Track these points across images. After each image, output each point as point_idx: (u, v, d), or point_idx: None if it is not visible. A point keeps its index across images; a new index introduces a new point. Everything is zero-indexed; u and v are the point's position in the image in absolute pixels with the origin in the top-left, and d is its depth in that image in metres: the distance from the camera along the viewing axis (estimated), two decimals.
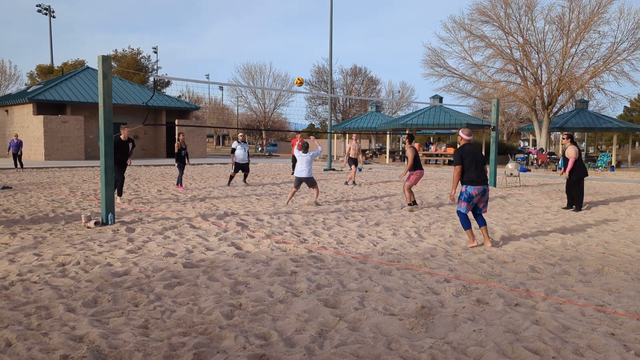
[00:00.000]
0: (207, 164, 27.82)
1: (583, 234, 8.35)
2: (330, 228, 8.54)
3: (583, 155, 35.25)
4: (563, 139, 11.43)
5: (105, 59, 8.33)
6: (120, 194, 11.38)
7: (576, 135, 50.77)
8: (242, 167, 15.80)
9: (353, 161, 16.94)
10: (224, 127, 23.96)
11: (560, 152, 36.84)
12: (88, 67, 37.05)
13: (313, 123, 69.65)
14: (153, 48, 67.05)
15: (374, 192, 14.28)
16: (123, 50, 55.83)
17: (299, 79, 12.63)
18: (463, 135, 7.42)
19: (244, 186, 15.51)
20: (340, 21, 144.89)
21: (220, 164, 28.38)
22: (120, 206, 10.55)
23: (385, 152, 40.47)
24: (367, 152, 39.78)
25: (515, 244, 7.45)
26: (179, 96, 52.32)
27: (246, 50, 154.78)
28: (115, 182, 10.46)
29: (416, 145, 15.48)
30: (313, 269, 5.83)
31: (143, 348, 3.59)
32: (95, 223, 8.30)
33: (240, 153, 15.60)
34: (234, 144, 15.77)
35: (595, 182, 19.20)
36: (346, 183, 16.77)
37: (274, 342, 3.77)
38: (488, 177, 7.34)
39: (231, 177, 16.05)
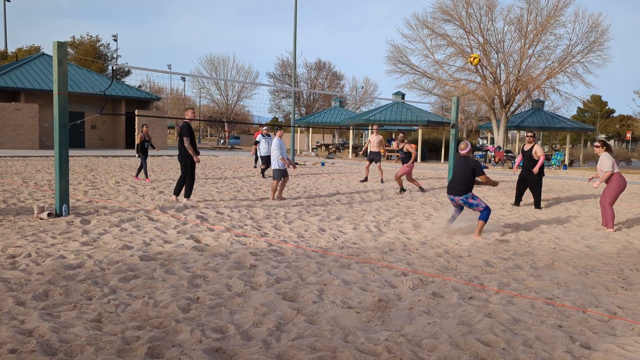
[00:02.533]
0: (168, 155, 27.35)
1: (536, 230, 8.62)
2: (291, 222, 8.55)
3: None
4: (528, 137, 11.60)
5: (61, 45, 8.08)
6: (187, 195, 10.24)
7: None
8: (267, 160, 15.89)
9: (375, 156, 16.01)
10: (185, 118, 23.58)
11: (520, 148, 37.86)
12: (44, 54, 35.84)
13: (277, 116, 69.39)
14: (113, 36, 65.34)
15: (336, 187, 14.35)
16: (81, 37, 54.21)
17: (475, 57, 11.14)
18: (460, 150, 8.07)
19: (204, 179, 15.33)
20: (305, 15, 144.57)
21: None
22: (75, 197, 10.27)
23: (348, 147, 40.66)
24: (330, 147, 39.91)
25: (472, 239, 7.63)
26: (140, 86, 51.14)
27: (209, 41, 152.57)
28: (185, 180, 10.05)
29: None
30: (273, 263, 5.83)
31: (95, 342, 3.51)
32: (49, 214, 8.05)
33: (264, 146, 15.86)
34: (259, 137, 16.32)
35: (548, 180, 19.83)
36: (382, 181, 16.12)
37: (231, 336, 3.75)
38: (458, 187, 7.85)
39: (263, 170, 16.34)
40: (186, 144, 9.79)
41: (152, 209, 9.16)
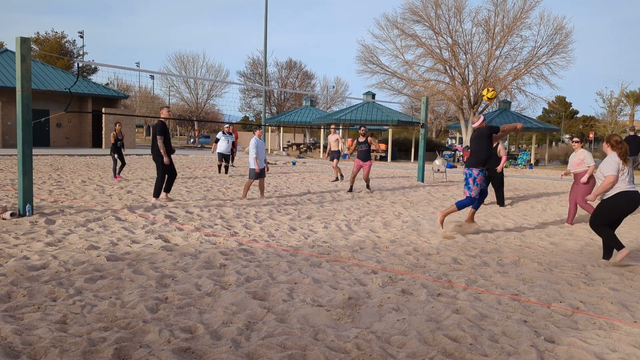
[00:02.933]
0: (136, 154, 26.91)
1: (502, 228, 8.80)
2: (262, 221, 8.52)
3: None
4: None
5: (24, 41, 7.87)
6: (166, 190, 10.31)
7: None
8: (225, 158, 16.85)
9: (335, 155, 16.07)
10: (154, 117, 23.27)
11: None
12: (7, 50, 34.78)
13: (247, 115, 69.01)
14: (79, 32, 63.84)
15: (307, 186, 14.36)
16: (46, 33, 52.95)
17: (490, 92, 9.40)
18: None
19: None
20: (275, 14, 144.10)
21: (150, 154, 27.53)
22: (39, 197, 10.02)
23: (319, 147, 40.72)
24: (301, 146, 39.90)
25: (440, 237, 7.73)
26: (107, 84, 50.20)
27: (178, 39, 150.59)
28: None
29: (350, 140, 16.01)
30: (243, 262, 5.80)
31: (60, 344, 3.44)
32: (12, 214, 7.84)
33: (224, 144, 16.67)
34: (219, 134, 16.89)
35: (515, 179, 20.25)
36: (336, 179, 16.05)
37: (200, 335, 3.72)
38: (470, 159, 7.81)
39: (219, 166, 17.11)
40: (159, 142, 9.71)
41: (120, 208, 9.01)
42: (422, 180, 17.04)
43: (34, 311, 4.07)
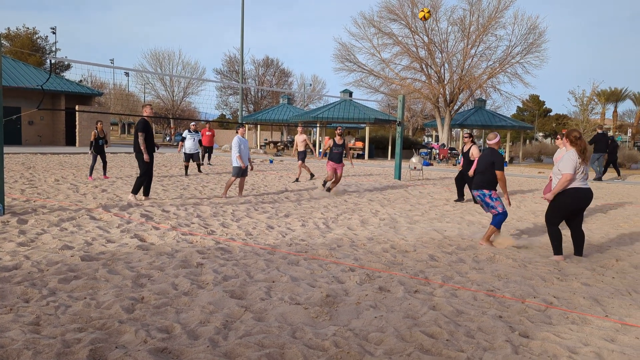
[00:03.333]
0: (111, 153, 26.51)
1: (478, 225, 8.92)
2: (239, 219, 8.48)
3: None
4: (465, 137, 12.04)
5: None
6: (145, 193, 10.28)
7: (474, 132, 53.87)
8: (192, 157, 16.38)
9: (302, 155, 15.51)
10: (129, 114, 22.97)
11: (460, 148, 38.98)
12: None
13: (224, 113, 68.53)
14: (51, 28, 62.54)
15: (285, 184, 14.33)
16: (17, 29, 51.65)
17: (425, 12, 10.02)
18: (489, 142, 7.37)
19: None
20: (252, 11, 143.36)
21: (125, 153, 27.15)
22: (11, 196, 9.80)
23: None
24: (279, 144, 39.79)
25: (417, 234, 7.81)
26: (80, 81, 49.30)
27: (153, 36, 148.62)
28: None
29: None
30: (220, 261, 5.76)
31: (33, 346, 3.37)
32: None
33: (190, 143, 16.22)
34: (185, 133, 16.41)
35: None
36: (297, 180, 15.54)
37: (177, 335, 3.69)
38: (477, 181, 7.33)
39: (186, 167, 16.50)
40: (140, 139, 9.75)
41: (95, 207, 8.87)
42: (399, 178, 17.16)
43: (6, 313, 3.98)
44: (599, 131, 20.18)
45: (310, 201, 11.01)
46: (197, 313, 4.13)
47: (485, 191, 7.21)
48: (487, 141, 7.37)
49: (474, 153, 11.50)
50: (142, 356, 3.28)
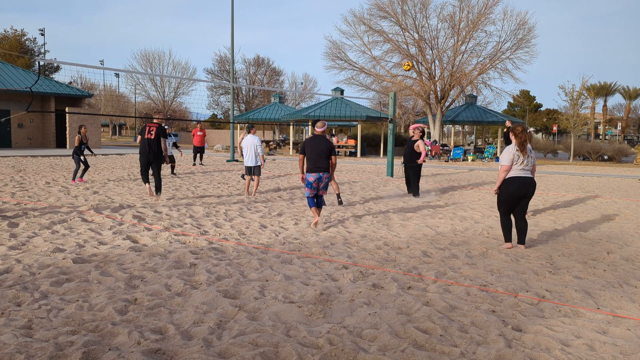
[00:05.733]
0: (102, 154, 26.38)
1: (470, 220, 8.95)
2: (232, 219, 8.46)
3: (472, 147, 37.76)
4: (417, 128, 12.18)
5: None
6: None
7: (466, 127, 54.08)
8: (170, 158, 16.42)
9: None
10: (120, 115, 22.87)
11: (453, 144, 39.14)
12: None
13: (216, 113, 68.35)
14: (40, 30, 62.11)
15: (277, 184, 14.32)
16: (5, 31, 51.39)
17: (408, 63, 11.44)
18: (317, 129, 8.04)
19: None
20: (242, 10, 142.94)
21: (116, 154, 27.02)
22: (1, 199, 9.72)
23: (288, 144, 40.62)
24: (271, 143, 39.74)
25: (410, 231, 7.83)
26: (70, 82, 49.04)
27: (144, 36, 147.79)
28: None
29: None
30: (213, 261, 5.75)
31: (25, 350, 3.35)
32: None
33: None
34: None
35: (482, 172, 20.62)
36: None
37: (171, 336, 3.68)
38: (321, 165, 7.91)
39: (172, 167, 16.64)
40: (163, 145, 10.31)
41: (86, 209, 8.82)
42: (392, 175, 17.19)
43: None
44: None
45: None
46: (190, 313, 4.12)
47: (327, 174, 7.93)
48: (317, 129, 8.02)
49: (420, 147, 11.75)
50: (136, 358, 3.27)
